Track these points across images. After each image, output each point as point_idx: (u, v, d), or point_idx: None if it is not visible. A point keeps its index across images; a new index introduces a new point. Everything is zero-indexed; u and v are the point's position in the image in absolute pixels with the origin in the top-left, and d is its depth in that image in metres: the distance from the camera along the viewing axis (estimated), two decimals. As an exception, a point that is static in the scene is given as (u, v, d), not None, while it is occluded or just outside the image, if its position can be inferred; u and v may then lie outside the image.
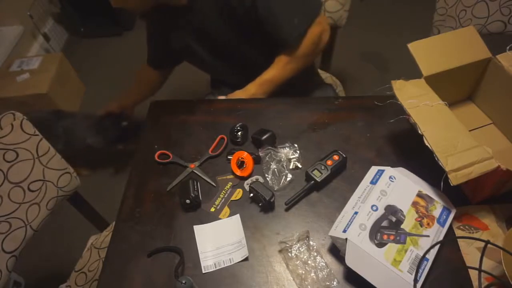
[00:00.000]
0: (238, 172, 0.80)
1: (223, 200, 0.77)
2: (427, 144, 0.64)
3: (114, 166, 1.75)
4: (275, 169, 0.79)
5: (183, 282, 0.60)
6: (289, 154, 0.81)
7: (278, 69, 0.98)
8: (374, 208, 0.66)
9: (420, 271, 0.61)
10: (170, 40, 1.07)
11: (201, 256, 0.69)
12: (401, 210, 0.66)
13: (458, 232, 0.69)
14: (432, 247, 0.64)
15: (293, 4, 0.92)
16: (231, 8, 0.91)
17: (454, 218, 0.69)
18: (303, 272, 0.65)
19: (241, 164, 0.81)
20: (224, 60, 1.07)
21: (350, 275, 0.63)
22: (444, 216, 0.68)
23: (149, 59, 1.24)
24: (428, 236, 0.65)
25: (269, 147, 0.81)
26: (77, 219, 1.07)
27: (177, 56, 1.17)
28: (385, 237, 0.63)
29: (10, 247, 0.82)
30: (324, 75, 1.38)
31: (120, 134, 1.51)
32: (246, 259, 0.68)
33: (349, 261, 0.61)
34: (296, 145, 0.83)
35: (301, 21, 0.92)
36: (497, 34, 1.16)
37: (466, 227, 0.69)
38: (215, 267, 0.68)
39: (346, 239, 0.62)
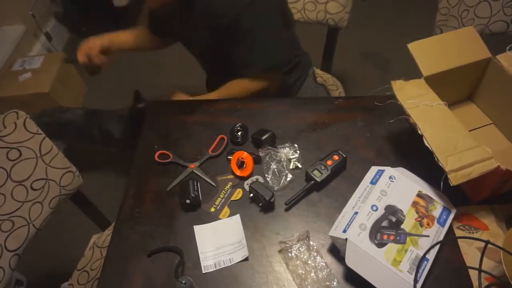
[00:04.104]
0: (238, 172, 0.80)
1: (223, 200, 0.77)
2: (427, 144, 0.64)
3: (116, 165, 1.75)
4: (275, 169, 0.79)
5: (183, 282, 0.61)
6: (289, 154, 0.81)
7: (227, 93, 1.04)
8: (374, 208, 0.66)
9: (420, 271, 0.61)
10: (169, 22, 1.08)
11: (201, 256, 0.70)
12: (401, 210, 0.66)
13: (458, 232, 0.69)
14: (432, 247, 0.64)
15: (261, 47, 0.96)
16: (215, 22, 0.94)
17: (454, 218, 0.69)
18: (303, 272, 0.65)
19: (241, 164, 0.81)
20: (209, 61, 1.12)
21: (350, 275, 0.63)
22: (444, 216, 0.68)
23: (150, 25, 1.19)
24: (428, 236, 0.65)
25: (269, 147, 0.81)
26: (79, 218, 1.07)
27: (174, 35, 1.16)
28: (385, 237, 0.63)
29: (12, 245, 0.82)
30: (325, 76, 1.38)
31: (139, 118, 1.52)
32: (246, 259, 0.68)
33: (349, 261, 0.61)
34: (296, 145, 0.83)
35: (258, 65, 0.98)
36: (499, 34, 1.15)
37: (466, 227, 0.69)
38: (215, 267, 0.68)
39: (346, 239, 0.62)
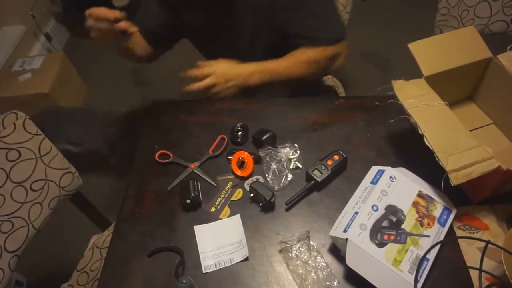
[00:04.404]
0: (239, 172, 0.80)
1: (223, 200, 0.77)
2: (427, 144, 0.64)
3: (115, 166, 1.75)
4: (276, 169, 0.79)
5: (184, 282, 0.61)
6: (289, 154, 0.81)
7: (290, 62, 0.91)
8: (375, 208, 0.66)
9: (421, 271, 0.61)
10: (185, 13, 0.98)
11: (201, 256, 0.70)
12: (401, 210, 0.66)
13: (459, 232, 0.69)
14: (432, 247, 0.64)
15: (329, 15, 0.92)
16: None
17: (455, 218, 0.69)
18: (304, 272, 0.65)
19: (241, 164, 0.81)
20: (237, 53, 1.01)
21: (351, 275, 0.63)
22: (445, 216, 0.68)
23: (143, 27, 0.99)
24: (428, 236, 0.65)
25: (270, 147, 0.81)
26: (79, 218, 1.07)
27: (177, 34, 1.06)
28: (385, 237, 0.63)
29: (12, 246, 0.82)
30: (325, 76, 1.37)
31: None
32: (246, 259, 0.68)
33: (349, 261, 0.61)
34: (296, 145, 0.83)
35: (333, 31, 0.92)
36: (499, 34, 1.15)
37: (467, 227, 0.69)
38: (216, 267, 0.68)
39: (347, 239, 0.62)
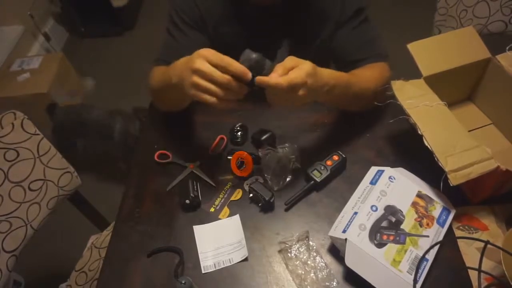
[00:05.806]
0: (238, 172, 0.80)
1: (222, 200, 0.77)
2: (426, 144, 0.64)
3: (114, 166, 1.75)
4: (275, 169, 0.79)
5: (183, 282, 0.60)
6: (288, 154, 0.81)
7: (360, 76, 0.79)
8: (374, 208, 0.66)
9: (420, 271, 0.61)
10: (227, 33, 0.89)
11: (200, 256, 0.69)
12: (400, 210, 0.66)
13: (458, 233, 0.69)
14: (431, 247, 0.64)
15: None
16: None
17: (454, 219, 0.69)
18: (303, 272, 0.65)
19: (240, 164, 0.81)
20: None
21: (350, 275, 0.63)
22: (444, 217, 0.68)
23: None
24: (427, 236, 0.65)
25: (269, 147, 0.80)
26: (77, 218, 1.07)
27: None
28: (384, 237, 0.63)
29: (10, 246, 0.82)
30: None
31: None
32: (245, 259, 0.68)
33: (348, 261, 0.61)
34: (295, 145, 0.82)
35: (385, 48, 0.91)
36: (498, 34, 1.16)
37: (466, 227, 0.69)
38: (215, 267, 0.68)
39: (346, 239, 0.62)
